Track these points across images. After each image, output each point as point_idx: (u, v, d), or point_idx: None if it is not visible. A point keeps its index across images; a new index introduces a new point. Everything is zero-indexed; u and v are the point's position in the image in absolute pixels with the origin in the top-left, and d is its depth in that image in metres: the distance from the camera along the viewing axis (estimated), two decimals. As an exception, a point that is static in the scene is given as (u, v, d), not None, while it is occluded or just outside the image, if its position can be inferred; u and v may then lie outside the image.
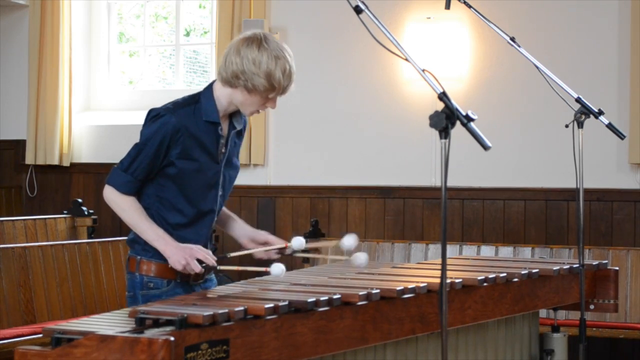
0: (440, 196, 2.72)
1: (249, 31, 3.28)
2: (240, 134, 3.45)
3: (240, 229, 3.52)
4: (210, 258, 3.23)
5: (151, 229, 3.23)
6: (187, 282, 3.31)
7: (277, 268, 3.11)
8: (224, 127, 3.35)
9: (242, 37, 3.24)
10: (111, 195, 3.29)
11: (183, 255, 3.19)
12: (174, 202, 3.29)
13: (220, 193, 3.37)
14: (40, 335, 4.55)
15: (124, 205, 3.26)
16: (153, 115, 3.26)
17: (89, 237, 6.95)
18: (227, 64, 3.22)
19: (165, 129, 3.21)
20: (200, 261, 3.21)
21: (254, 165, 7.22)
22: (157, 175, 3.29)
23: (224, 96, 3.28)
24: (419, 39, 6.75)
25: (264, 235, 3.47)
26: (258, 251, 3.39)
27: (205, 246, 3.37)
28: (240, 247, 3.48)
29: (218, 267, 3.27)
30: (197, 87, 8.04)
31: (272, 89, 3.20)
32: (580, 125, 4.05)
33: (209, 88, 3.33)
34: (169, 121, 3.21)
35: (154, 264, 3.28)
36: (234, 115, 3.37)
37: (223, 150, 3.34)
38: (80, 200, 7.17)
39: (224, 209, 3.52)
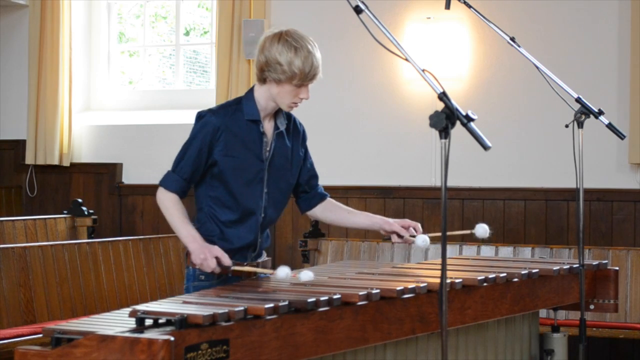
0: (440, 196, 2.72)
1: (274, 29, 3.46)
2: (288, 136, 3.59)
3: (370, 221, 3.76)
4: (225, 258, 3.35)
5: (184, 227, 3.40)
6: (239, 277, 3.44)
7: (282, 271, 3.16)
8: (268, 127, 3.54)
9: (266, 35, 3.45)
10: (160, 195, 3.47)
11: (203, 252, 3.34)
12: (223, 200, 3.48)
13: (265, 190, 3.52)
14: (40, 335, 4.55)
15: (167, 203, 3.44)
16: (197, 117, 3.49)
17: (89, 237, 6.95)
18: (256, 62, 3.45)
19: (207, 128, 3.42)
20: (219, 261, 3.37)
21: (254, 165, 7.22)
22: (206, 176, 3.49)
23: (261, 95, 3.49)
24: (419, 39, 6.75)
25: (393, 224, 3.67)
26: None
27: (256, 244, 3.54)
28: None
29: (232, 268, 3.38)
30: (197, 87, 8.05)
31: (294, 76, 3.37)
32: (580, 125, 4.05)
33: (250, 90, 3.54)
34: (209, 121, 3.43)
35: None
36: (277, 115, 3.56)
37: (268, 149, 3.51)
38: (80, 200, 7.17)
39: (339, 204, 3.84)
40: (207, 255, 3.33)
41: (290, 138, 3.61)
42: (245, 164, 3.46)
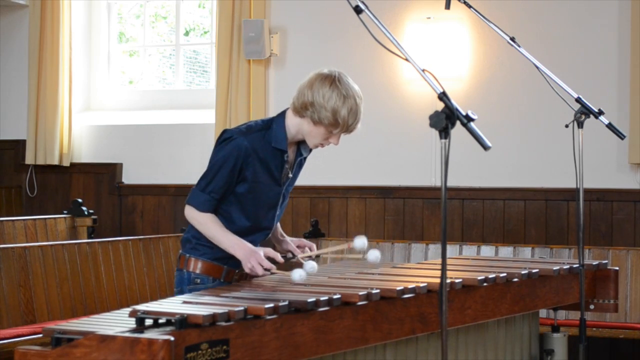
0: (440, 196, 2.72)
1: (326, 69, 3.46)
2: (303, 160, 3.65)
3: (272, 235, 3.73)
4: (272, 267, 3.39)
5: (226, 237, 3.43)
6: (230, 282, 3.49)
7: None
8: (291, 153, 3.55)
9: (319, 72, 3.45)
10: (192, 213, 3.47)
11: (249, 260, 3.38)
12: (234, 217, 3.50)
13: (278, 213, 3.59)
14: (40, 335, 4.55)
15: (202, 220, 3.45)
16: (226, 137, 3.45)
17: (89, 237, 6.95)
18: (300, 94, 3.43)
19: (239, 151, 3.40)
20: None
21: (254, 165, 7.21)
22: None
23: (293, 125, 3.48)
24: (419, 39, 6.75)
25: (287, 244, 3.68)
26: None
27: None
28: None
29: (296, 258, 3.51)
30: (197, 87, 8.04)
31: (336, 124, 3.41)
32: (580, 125, 4.05)
33: (282, 115, 3.52)
34: (241, 144, 3.41)
35: (202, 262, 3.51)
36: (302, 143, 3.56)
37: (289, 175, 3.56)
38: (80, 200, 7.17)
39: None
40: (253, 264, 3.36)
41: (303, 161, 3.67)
42: (265, 189, 3.49)
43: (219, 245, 3.45)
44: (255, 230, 3.54)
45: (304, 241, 3.67)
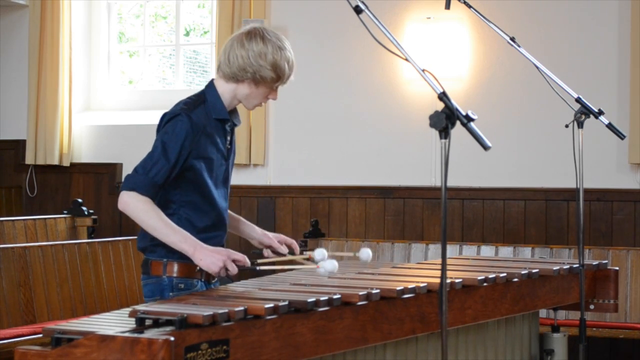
0: (440, 196, 2.72)
1: (246, 26, 3.35)
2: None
3: (251, 231, 3.55)
4: (246, 260, 3.18)
5: (177, 231, 3.15)
6: (209, 281, 3.31)
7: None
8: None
9: (242, 32, 3.31)
10: (130, 199, 3.13)
11: (219, 257, 3.13)
12: (200, 205, 3.27)
13: (229, 191, 3.41)
14: (40, 335, 4.55)
15: (146, 207, 3.12)
16: (169, 118, 3.24)
17: (89, 237, 6.95)
18: (232, 59, 3.28)
19: (186, 131, 3.19)
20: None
21: (254, 165, 7.21)
22: (179, 181, 3.24)
23: (227, 91, 3.33)
24: (419, 39, 6.75)
25: (272, 238, 3.51)
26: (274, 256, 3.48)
27: (223, 246, 3.34)
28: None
29: (257, 268, 3.23)
30: (197, 87, 8.04)
31: (278, 78, 3.29)
32: (580, 125, 4.05)
33: (211, 86, 3.36)
34: (189, 121, 3.20)
35: (183, 265, 3.24)
36: (232, 112, 3.40)
37: (229, 147, 3.39)
38: (80, 200, 7.17)
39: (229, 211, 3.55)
40: (226, 261, 3.11)
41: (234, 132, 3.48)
42: (216, 165, 3.29)
43: (164, 239, 3.13)
44: (219, 218, 3.32)
45: (284, 237, 3.51)
